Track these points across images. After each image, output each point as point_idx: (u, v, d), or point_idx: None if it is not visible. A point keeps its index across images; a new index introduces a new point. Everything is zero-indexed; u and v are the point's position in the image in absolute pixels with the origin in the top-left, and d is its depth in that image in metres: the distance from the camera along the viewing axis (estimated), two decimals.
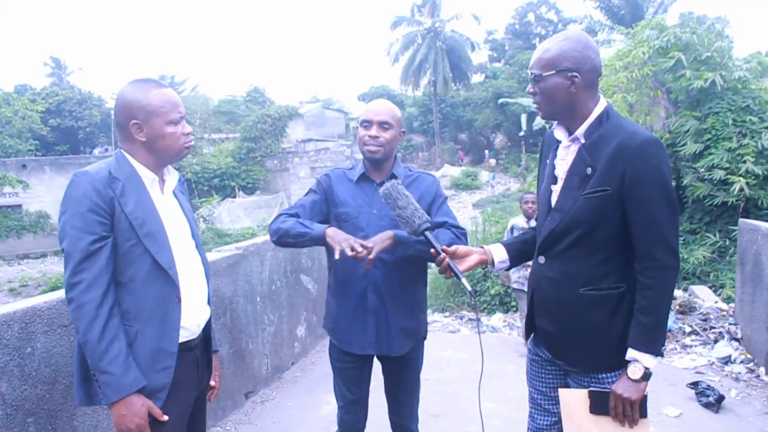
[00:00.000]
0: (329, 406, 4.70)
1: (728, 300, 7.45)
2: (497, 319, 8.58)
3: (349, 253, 2.42)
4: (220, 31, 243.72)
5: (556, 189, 2.22)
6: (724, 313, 6.57)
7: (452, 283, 10.10)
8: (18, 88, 50.34)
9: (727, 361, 5.52)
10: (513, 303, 9.61)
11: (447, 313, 9.71)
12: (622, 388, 2.06)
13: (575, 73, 2.09)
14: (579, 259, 2.15)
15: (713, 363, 5.54)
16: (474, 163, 42.81)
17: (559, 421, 2.34)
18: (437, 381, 5.11)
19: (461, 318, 8.98)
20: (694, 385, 4.77)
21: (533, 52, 2.23)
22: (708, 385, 4.69)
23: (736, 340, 5.88)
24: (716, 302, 7.04)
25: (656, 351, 2.05)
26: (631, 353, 2.07)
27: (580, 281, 2.15)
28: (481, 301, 9.80)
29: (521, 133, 32.46)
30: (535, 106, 2.25)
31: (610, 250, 2.12)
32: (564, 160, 2.22)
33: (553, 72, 2.10)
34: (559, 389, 2.27)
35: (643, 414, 2.08)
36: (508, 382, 5.06)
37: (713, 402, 4.48)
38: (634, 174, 2.01)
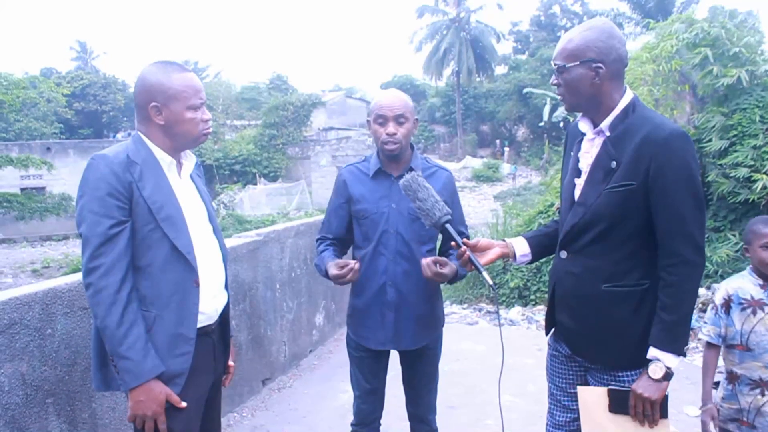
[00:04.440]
0: (346, 395, 4.69)
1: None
2: (516, 312, 8.53)
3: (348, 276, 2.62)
4: (243, 17, 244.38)
5: (580, 182, 2.18)
6: None
7: (471, 275, 10.04)
8: (44, 71, 50.92)
9: None
10: (532, 296, 9.55)
11: (465, 305, 9.67)
12: (642, 387, 2.02)
13: (600, 64, 2.04)
14: (601, 254, 2.11)
15: None
16: (495, 155, 42.63)
17: (579, 418, 2.31)
18: (455, 373, 5.09)
19: (480, 310, 8.94)
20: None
21: (557, 43, 2.19)
22: None
23: None
24: None
25: (678, 350, 2.01)
26: (652, 352, 2.03)
27: (603, 277, 2.11)
28: (500, 294, 9.74)
29: (541, 124, 32.27)
30: (559, 97, 2.20)
31: (634, 245, 2.08)
32: (588, 153, 2.18)
33: (577, 63, 2.06)
34: (578, 387, 2.24)
35: (664, 414, 2.05)
36: (527, 376, 5.02)
37: None
38: (659, 168, 1.97)
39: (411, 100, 2.79)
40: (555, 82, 2.17)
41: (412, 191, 2.38)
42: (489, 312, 8.73)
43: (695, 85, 9.59)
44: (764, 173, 8.11)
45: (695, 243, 1.99)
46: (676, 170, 1.97)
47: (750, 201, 8.34)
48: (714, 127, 8.82)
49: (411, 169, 2.67)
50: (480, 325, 7.70)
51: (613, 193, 2.05)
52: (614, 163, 2.06)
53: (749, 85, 8.69)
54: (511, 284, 9.75)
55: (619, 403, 2.09)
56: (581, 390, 2.21)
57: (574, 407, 2.32)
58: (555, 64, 2.13)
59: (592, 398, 2.16)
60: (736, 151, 8.51)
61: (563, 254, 2.24)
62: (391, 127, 2.65)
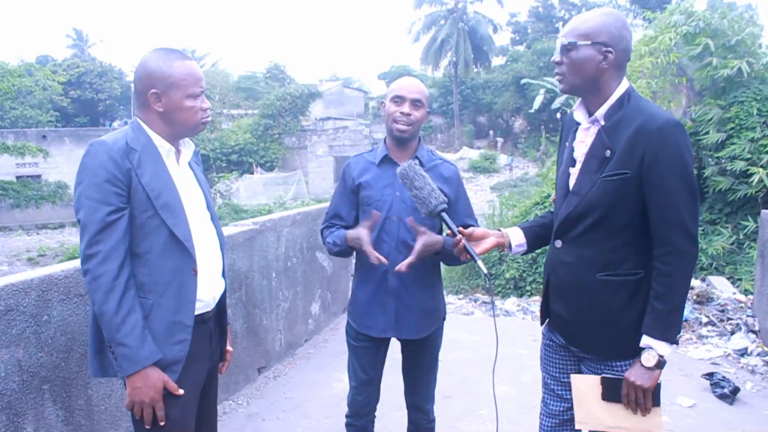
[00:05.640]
0: (341, 384, 4.71)
1: (746, 292, 7.37)
2: (511, 303, 8.56)
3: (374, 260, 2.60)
4: (241, 6, 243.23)
5: (575, 172, 2.19)
6: (742, 304, 6.50)
7: (467, 265, 10.07)
8: (40, 59, 50.72)
9: (743, 353, 5.47)
10: (527, 287, 9.58)
11: (461, 296, 9.69)
12: (635, 375, 2.03)
13: (610, 49, 2.04)
14: (596, 244, 2.12)
15: (729, 354, 5.49)
16: (489, 146, 42.59)
17: (572, 408, 2.33)
18: (450, 362, 5.10)
19: (475, 301, 8.96)
20: (709, 376, 4.72)
21: (562, 29, 2.16)
22: (723, 377, 4.64)
23: (754, 332, 5.82)
24: (734, 293, 6.97)
25: (671, 339, 2.02)
26: (645, 340, 2.04)
27: (597, 266, 2.12)
28: (496, 284, 9.77)
29: (531, 110, 32.25)
30: (558, 77, 2.18)
31: (628, 235, 2.08)
32: (583, 142, 2.18)
33: (589, 43, 2.05)
34: (572, 375, 2.25)
35: (656, 402, 2.05)
36: (521, 366, 5.04)
37: (728, 394, 4.43)
38: (653, 157, 1.97)
39: (427, 91, 2.80)
40: (558, 59, 2.15)
41: (409, 179, 2.38)
42: (485, 302, 8.75)
43: (692, 79, 9.59)
44: (761, 166, 8.13)
45: (688, 232, 1.99)
46: (669, 159, 1.97)
47: (747, 195, 8.36)
48: (711, 119, 8.83)
49: (416, 159, 2.68)
50: (475, 316, 7.72)
51: (607, 181, 2.05)
52: (608, 152, 2.06)
53: (749, 77, 8.69)
54: (507, 275, 9.78)
55: (612, 391, 2.10)
56: (574, 378, 2.22)
57: (568, 397, 2.33)
58: (564, 41, 2.10)
59: (585, 386, 2.17)
60: (733, 144, 8.53)
61: (558, 243, 2.24)
62: (406, 107, 2.66)
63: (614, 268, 2.10)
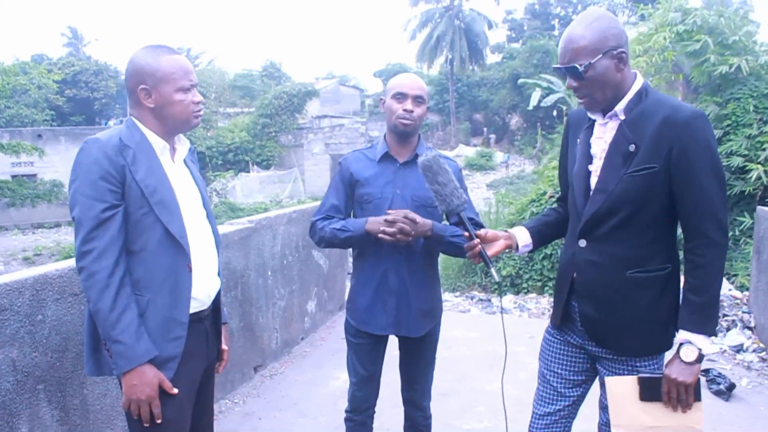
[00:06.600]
0: (338, 382, 4.71)
1: (742, 288, 7.38)
2: (508, 300, 8.55)
3: (394, 235, 2.54)
4: (236, 4, 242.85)
5: (595, 168, 2.15)
6: (738, 301, 6.51)
7: (464, 263, 10.07)
8: (35, 58, 50.42)
9: (739, 349, 5.48)
10: (524, 285, 9.58)
11: (458, 293, 9.69)
12: (676, 372, 2.00)
13: (622, 49, 2.01)
14: (625, 241, 2.09)
15: (725, 351, 5.50)
16: (482, 144, 42.57)
17: (570, 405, 2.32)
18: (447, 360, 5.09)
19: (472, 298, 8.96)
20: (705, 372, 4.73)
21: (563, 41, 2.07)
22: (719, 373, 4.65)
23: (749, 328, 5.83)
24: (730, 290, 6.98)
25: (710, 331, 2.00)
26: (683, 335, 2.01)
27: (627, 264, 2.09)
28: (492, 282, 9.76)
29: (529, 108, 32.24)
30: (583, 101, 2.12)
31: (657, 229, 2.07)
32: (601, 138, 2.15)
33: (600, 56, 2.00)
34: (606, 378, 2.19)
35: (697, 397, 2.02)
36: (518, 364, 5.03)
37: (724, 390, 4.44)
38: (682, 149, 1.95)
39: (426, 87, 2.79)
40: (574, 85, 2.08)
41: (432, 173, 2.32)
42: (481, 300, 8.75)
43: (688, 76, 9.60)
44: (758, 163, 8.13)
45: (720, 223, 1.98)
46: (699, 151, 1.95)
47: (743, 191, 8.37)
48: (708, 116, 8.81)
49: (417, 156, 2.66)
50: (472, 313, 7.72)
51: (635, 177, 2.02)
52: (633, 146, 2.03)
53: (746, 74, 8.70)
54: (504, 272, 9.77)
55: (650, 391, 2.06)
56: (609, 381, 2.16)
57: (570, 394, 2.32)
58: (576, 67, 2.02)
59: (621, 388, 2.12)
60: (730, 140, 8.53)
61: (582, 243, 2.18)
62: (409, 104, 2.65)
63: (644, 265, 2.08)
